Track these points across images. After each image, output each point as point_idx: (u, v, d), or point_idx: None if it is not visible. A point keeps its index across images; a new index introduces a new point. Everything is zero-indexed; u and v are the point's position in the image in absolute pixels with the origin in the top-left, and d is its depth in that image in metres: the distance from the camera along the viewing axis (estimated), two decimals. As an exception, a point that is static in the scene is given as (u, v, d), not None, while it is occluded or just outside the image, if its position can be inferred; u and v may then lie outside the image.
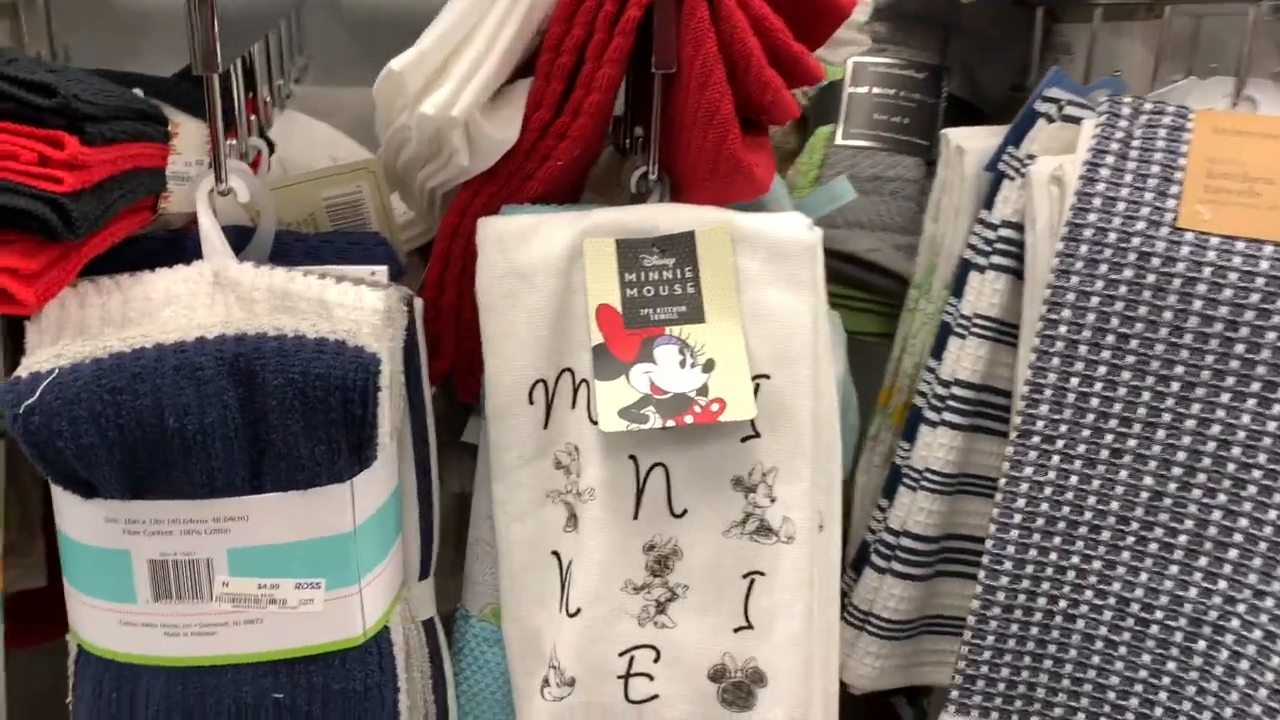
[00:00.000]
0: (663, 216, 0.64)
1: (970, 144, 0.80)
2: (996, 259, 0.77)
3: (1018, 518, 0.72)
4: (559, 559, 0.65)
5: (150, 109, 0.60)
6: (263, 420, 0.55)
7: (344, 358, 0.55)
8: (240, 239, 0.65)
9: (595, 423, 0.63)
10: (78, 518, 0.57)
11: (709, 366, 0.62)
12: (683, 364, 0.62)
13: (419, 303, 0.66)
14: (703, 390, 0.62)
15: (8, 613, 0.74)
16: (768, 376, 0.63)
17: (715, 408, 0.61)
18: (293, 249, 0.66)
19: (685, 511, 0.64)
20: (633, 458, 0.64)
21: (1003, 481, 0.73)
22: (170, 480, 0.55)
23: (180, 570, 0.57)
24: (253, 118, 0.74)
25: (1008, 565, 0.69)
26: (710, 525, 0.63)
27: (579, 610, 0.63)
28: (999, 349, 0.79)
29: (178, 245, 0.64)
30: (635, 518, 0.64)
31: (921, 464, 0.80)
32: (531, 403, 0.64)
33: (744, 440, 0.62)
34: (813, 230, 0.64)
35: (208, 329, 0.56)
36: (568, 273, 0.63)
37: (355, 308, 0.58)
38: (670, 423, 0.61)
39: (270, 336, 0.55)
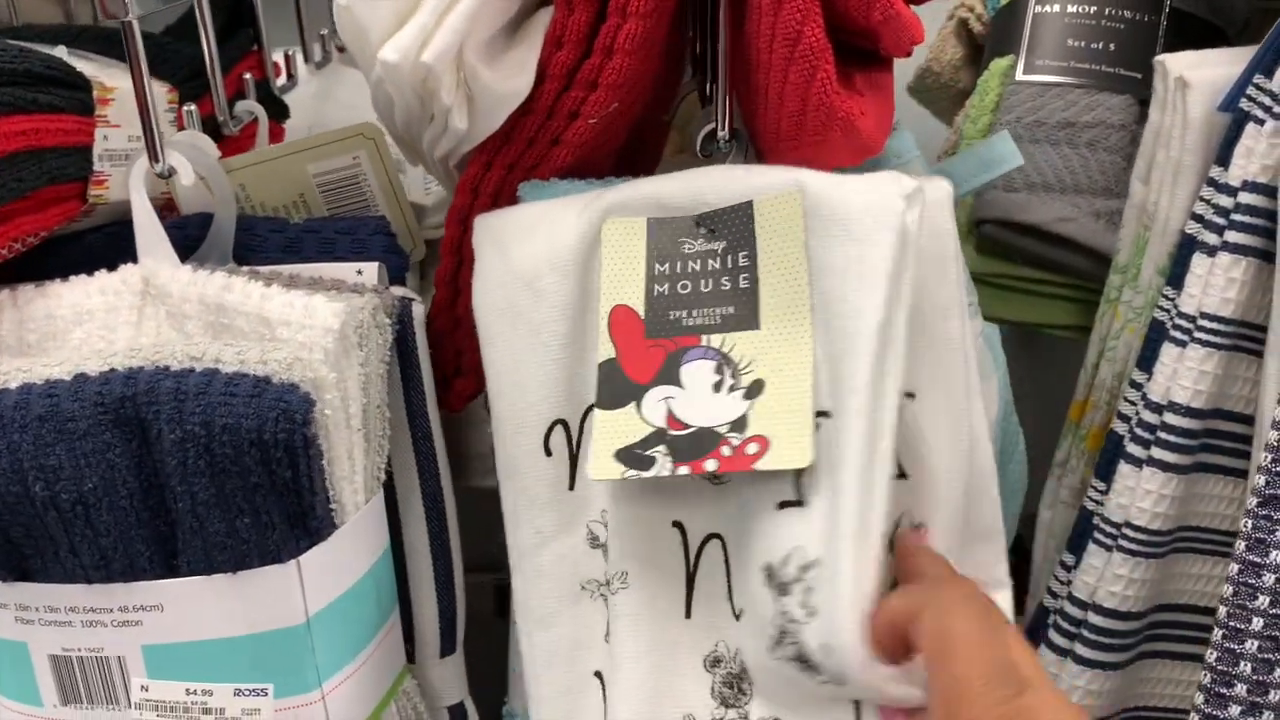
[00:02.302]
0: (716, 185, 0.45)
1: (1197, 74, 0.58)
2: (1234, 236, 0.55)
3: (1263, 600, 0.50)
4: (602, 683, 0.47)
5: (59, 71, 0.46)
6: (166, 486, 0.41)
7: (261, 401, 0.40)
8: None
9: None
10: (-31, 597, 0.45)
11: (755, 390, 0.42)
12: (718, 387, 0.43)
13: (419, 310, 0.50)
14: (739, 424, 0.42)
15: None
16: (828, 414, 0.41)
17: (753, 449, 0.41)
18: (267, 242, 0.52)
19: (741, 612, 0.44)
20: (678, 525, 0.45)
21: (1241, 547, 0.51)
22: (59, 559, 0.42)
23: (88, 669, 0.44)
24: (247, 77, 0.60)
25: (1244, 668, 0.48)
26: (755, 635, 0.43)
27: None
28: (1235, 360, 0.57)
29: (126, 242, 0.50)
30: (688, 616, 0.45)
31: (1120, 515, 0.59)
32: (549, 454, 0.46)
33: (781, 507, 0.42)
34: (911, 197, 0.41)
35: (109, 359, 0.42)
36: (585, 271, 0.46)
37: (303, 326, 0.43)
38: (683, 469, 0.41)
39: (171, 373, 0.41)
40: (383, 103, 0.49)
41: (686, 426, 0.42)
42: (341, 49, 0.77)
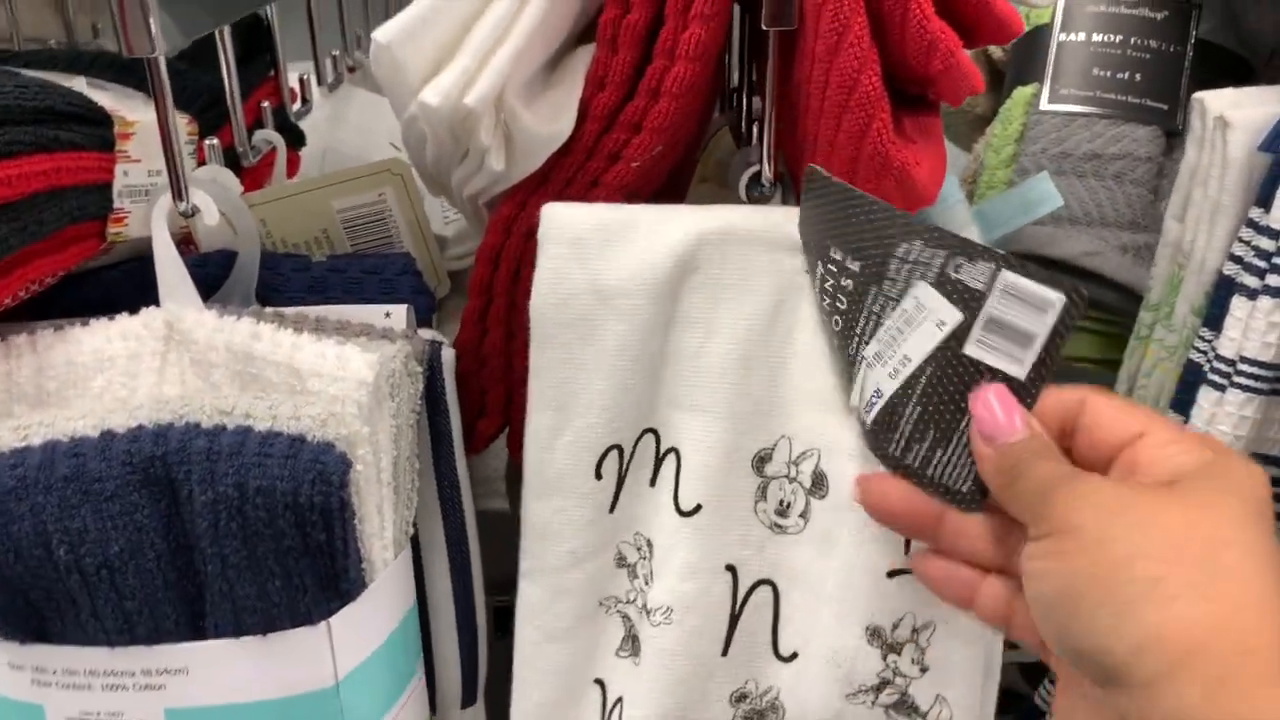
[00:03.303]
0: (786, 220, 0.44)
1: (1237, 113, 0.57)
2: (1276, 280, 0.54)
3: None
4: (603, 690, 0.47)
5: (80, 108, 0.44)
6: (195, 547, 0.40)
7: (297, 463, 0.38)
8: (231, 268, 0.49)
9: (681, 511, 0.45)
10: (-17, 657, 0.43)
11: None
12: None
13: (449, 354, 0.49)
14: None
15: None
16: None
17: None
18: (291, 282, 0.50)
19: (795, 655, 0.45)
20: (731, 569, 0.45)
21: None
22: (79, 622, 0.40)
23: (107, 733, 0.42)
24: (265, 105, 0.58)
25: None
26: (830, 681, 0.44)
27: None
28: (1273, 404, 0.56)
29: (145, 279, 0.48)
30: (724, 654, 0.45)
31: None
32: (599, 477, 0.45)
33: (891, 575, 0.43)
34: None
35: (134, 413, 0.40)
36: (674, 295, 0.44)
37: (336, 378, 0.42)
38: None
39: (203, 430, 0.39)
40: (414, 140, 0.47)
41: None
42: (352, 69, 0.76)
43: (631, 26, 0.43)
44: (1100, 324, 0.71)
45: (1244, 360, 0.55)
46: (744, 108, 0.54)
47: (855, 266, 0.40)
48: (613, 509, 0.46)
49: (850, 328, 0.40)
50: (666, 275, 0.43)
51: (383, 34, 0.41)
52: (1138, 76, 0.71)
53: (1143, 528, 0.32)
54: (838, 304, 0.41)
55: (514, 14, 0.42)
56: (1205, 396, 0.56)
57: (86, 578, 0.39)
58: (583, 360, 0.44)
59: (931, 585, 0.39)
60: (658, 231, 0.44)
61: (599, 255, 0.43)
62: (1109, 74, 0.72)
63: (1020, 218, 0.49)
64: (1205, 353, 0.58)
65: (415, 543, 0.50)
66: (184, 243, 0.52)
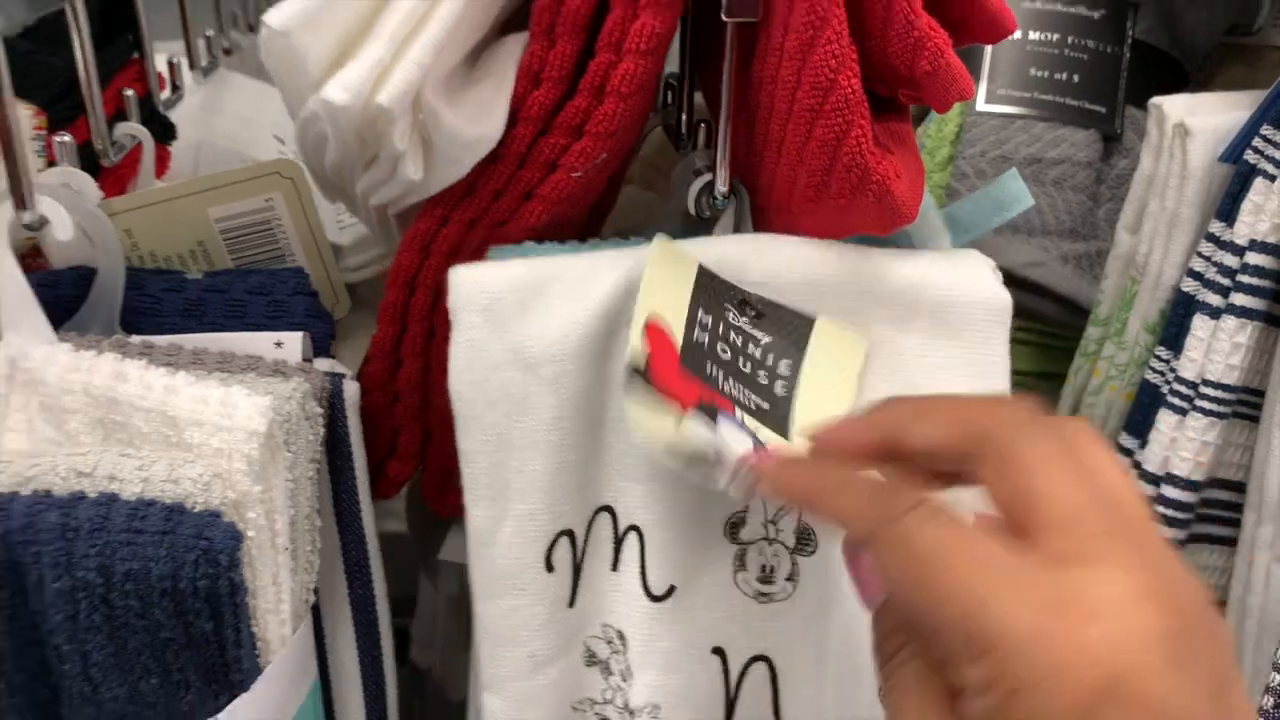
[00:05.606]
0: (758, 255, 0.39)
1: (1198, 120, 0.54)
2: (1241, 299, 0.51)
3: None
4: None
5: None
6: (48, 644, 0.32)
7: (175, 539, 0.31)
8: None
9: (653, 595, 0.39)
10: None
11: None
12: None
13: (352, 389, 0.42)
14: None
15: None
16: None
17: None
18: (162, 304, 0.43)
19: None
20: (719, 652, 0.40)
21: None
22: (-101, 736, 0.33)
23: None
24: (128, 93, 0.50)
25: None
26: None
27: None
28: (1232, 427, 0.53)
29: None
30: None
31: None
32: (550, 569, 0.40)
33: None
34: (1000, 284, 0.40)
35: (-33, 473, 0.33)
36: (607, 355, 0.38)
37: (220, 428, 0.35)
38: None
39: (55, 501, 0.32)
40: (312, 142, 0.41)
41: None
42: (228, 51, 0.67)
43: (572, 14, 0.37)
44: (1040, 337, 0.68)
45: (1206, 383, 0.52)
46: (685, 104, 0.48)
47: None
48: (572, 603, 0.41)
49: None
50: (595, 333, 0.38)
51: (277, 17, 0.34)
52: (1075, 77, 0.68)
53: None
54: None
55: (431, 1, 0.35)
56: (1165, 420, 0.53)
57: (-95, 687, 0.31)
58: (514, 442, 0.38)
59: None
60: (582, 285, 0.38)
61: (519, 321, 0.38)
62: (1046, 74, 0.68)
63: (993, 219, 0.45)
64: (1162, 373, 0.55)
65: (315, 604, 0.43)
66: (29, 255, 0.44)
